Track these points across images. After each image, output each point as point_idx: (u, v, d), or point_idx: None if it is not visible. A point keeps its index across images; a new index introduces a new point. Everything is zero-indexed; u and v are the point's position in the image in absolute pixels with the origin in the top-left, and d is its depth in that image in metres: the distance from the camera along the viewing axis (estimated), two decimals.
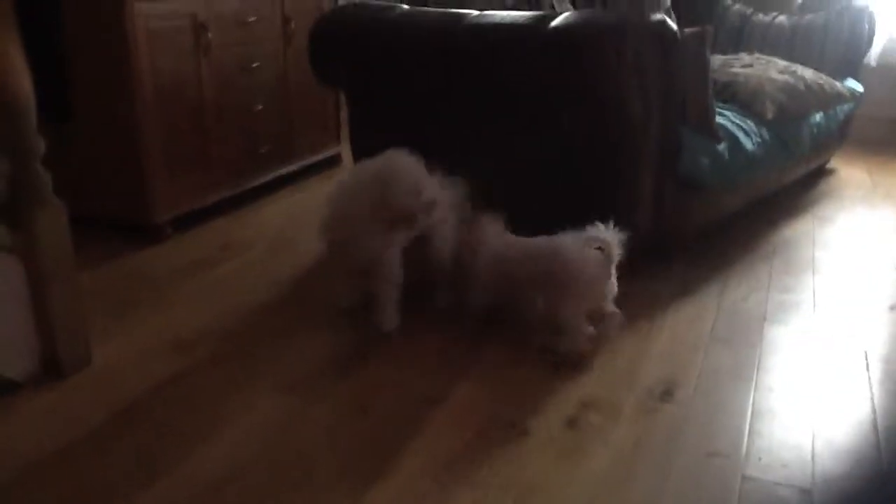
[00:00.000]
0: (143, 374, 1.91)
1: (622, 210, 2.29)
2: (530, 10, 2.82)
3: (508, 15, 2.37)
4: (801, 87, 3.05)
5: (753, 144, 2.67)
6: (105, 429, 1.70)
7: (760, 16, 3.75)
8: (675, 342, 2.10)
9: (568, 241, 2.01)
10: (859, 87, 3.57)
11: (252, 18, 3.04)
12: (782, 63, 3.23)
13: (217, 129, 2.93)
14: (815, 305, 2.33)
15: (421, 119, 2.59)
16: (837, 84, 3.33)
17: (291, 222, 2.97)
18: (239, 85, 3.03)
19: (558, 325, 2.01)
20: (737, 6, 3.84)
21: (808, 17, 3.65)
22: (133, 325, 2.16)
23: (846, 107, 3.40)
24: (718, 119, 2.55)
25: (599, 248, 1.97)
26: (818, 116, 3.13)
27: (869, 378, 1.94)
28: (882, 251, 2.76)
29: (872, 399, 1.84)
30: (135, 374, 1.91)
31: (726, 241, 2.78)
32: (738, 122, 2.69)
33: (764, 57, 3.32)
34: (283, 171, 3.38)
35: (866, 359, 2.03)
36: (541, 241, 2.08)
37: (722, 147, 2.52)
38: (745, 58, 3.30)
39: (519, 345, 2.06)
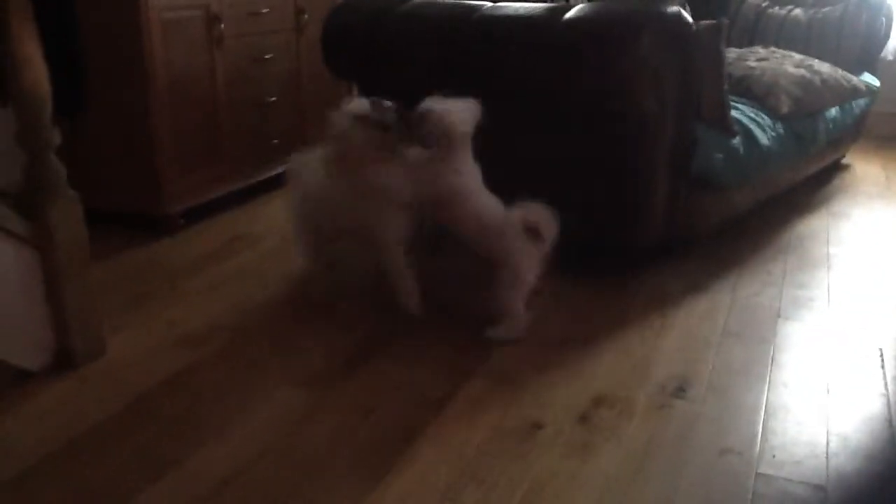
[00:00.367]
0: (154, 366, 1.91)
1: (635, 205, 2.29)
2: (544, 1, 2.80)
3: (521, 7, 2.36)
4: (817, 81, 3.02)
5: (768, 139, 2.65)
6: (114, 422, 1.71)
7: (776, 9, 3.72)
8: (688, 338, 2.09)
9: (509, 226, 2.00)
10: (876, 82, 3.54)
11: (265, 10, 3.04)
12: (798, 57, 3.21)
13: (229, 121, 2.93)
14: (829, 301, 2.31)
15: None
16: (854, 78, 3.30)
17: None
18: (251, 76, 3.02)
19: (498, 310, 2.03)
20: None
21: (825, 10, 3.61)
22: (145, 317, 2.16)
23: (862, 101, 3.37)
24: (733, 113, 2.54)
25: (534, 230, 1.98)
26: (834, 111, 3.11)
27: (884, 374, 1.92)
28: None
29: (887, 395, 1.83)
30: (145, 367, 1.91)
31: (740, 236, 2.77)
32: (752, 116, 2.67)
33: (779, 51, 3.30)
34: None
35: (881, 355, 2.01)
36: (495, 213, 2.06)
37: (736, 142, 2.50)
38: (760, 51, 3.27)
39: (528, 340, 2.06)
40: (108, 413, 1.73)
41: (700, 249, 2.61)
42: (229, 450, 1.61)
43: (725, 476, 1.55)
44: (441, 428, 1.69)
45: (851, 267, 2.57)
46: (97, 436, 1.66)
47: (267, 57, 3.08)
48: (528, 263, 2.01)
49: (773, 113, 2.77)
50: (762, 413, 1.75)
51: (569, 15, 2.19)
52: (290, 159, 2.37)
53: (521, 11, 2.32)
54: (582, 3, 2.88)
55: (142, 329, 2.09)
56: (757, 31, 3.67)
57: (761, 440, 1.65)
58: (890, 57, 3.98)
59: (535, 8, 2.34)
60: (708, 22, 2.35)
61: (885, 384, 1.88)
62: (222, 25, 2.80)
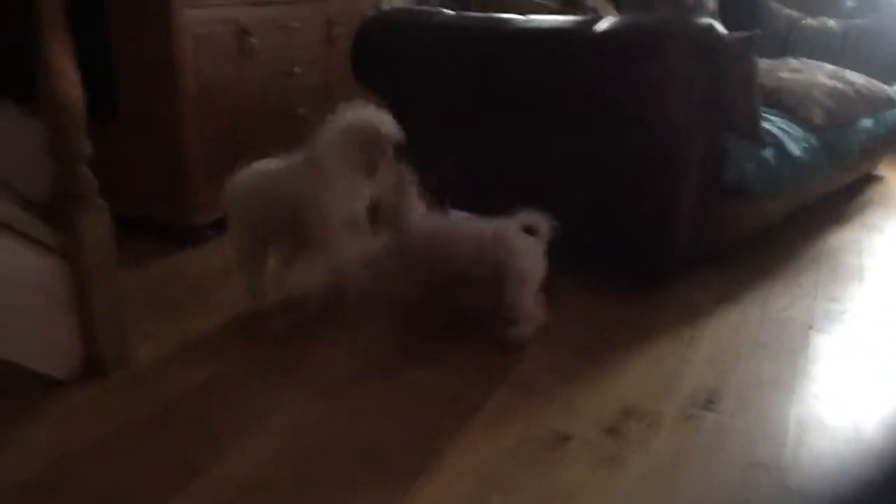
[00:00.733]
0: (180, 375, 1.93)
1: (666, 216, 2.27)
2: (574, 15, 2.80)
3: (553, 20, 2.37)
4: (851, 92, 2.98)
5: (800, 150, 2.62)
6: (139, 429, 1.72)
7: (808, 20, 3.69)
8: (718, 350, 2.06)
9: (506, 227, 2.01)
10: None
11: (295, 23, 3.06)
12: (830, 68, 3.17)
13: (257, 133, 2.95)
14: (862, 315, 2.27)
15: (463, 124, 2.59)
16: (888, 88, 3.25)
17: None
18: (281, 89, 3.05)
19: (510, 314, 2.03)
20: (784, 11, 3.77)
21: (859, 21, 3.57)
22: (171, 326, 2.17)
23: None
24: (764, 124, 2.51)
25: (532, 232, 2.01)
26: (867, 122, 3.06)
27: None
28: None
29: None
30: (171, 376, 1.92)
31: (771, 248, 2.73)
32: (784, 127, 2.64)
33: (811, 62, 3.26)
34: None
35: None
36: (474, 226, 2.06)
37: (768, 153, 2.47)
38: (791, 63, 3.24)
39: (557, 350, 2.04)
40: (133, 420, 1.74)
41: (730, 260, 2.58)
42: (255, 457, 1.62)
43: (755, 490, 1.52)
44: (468, 436, 1.68)
45: (884, 279, 2.52)
46: (122, 442, 1.67)
47: (296, 70, 3.11)
48: (531, 262, 2.02)
49: (806, 124, 2.73)
50: (793, 426, 1.72)
51: (599, 27, 2.19)
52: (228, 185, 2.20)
53: (553, 24, 2.33)
54: (612, 15, 2.89)
55: (168, 338, 2.11)
56: (789, 43, 3.64)
57: (792, 454, 1.62)
58: None
59: (567, 20, 2.35)
60: (740, 33, 2.33)
61: None
62: (253, 39, 2.83)
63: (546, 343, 2.08)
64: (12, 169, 2.02)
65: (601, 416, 1.76)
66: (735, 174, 2.37)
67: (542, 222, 2.01)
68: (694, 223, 2.31)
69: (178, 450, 1.64)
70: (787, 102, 2.82)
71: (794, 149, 2.60)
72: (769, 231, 2.75)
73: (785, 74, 3.04)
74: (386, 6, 3.83)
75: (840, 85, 2.99)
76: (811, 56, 3.41)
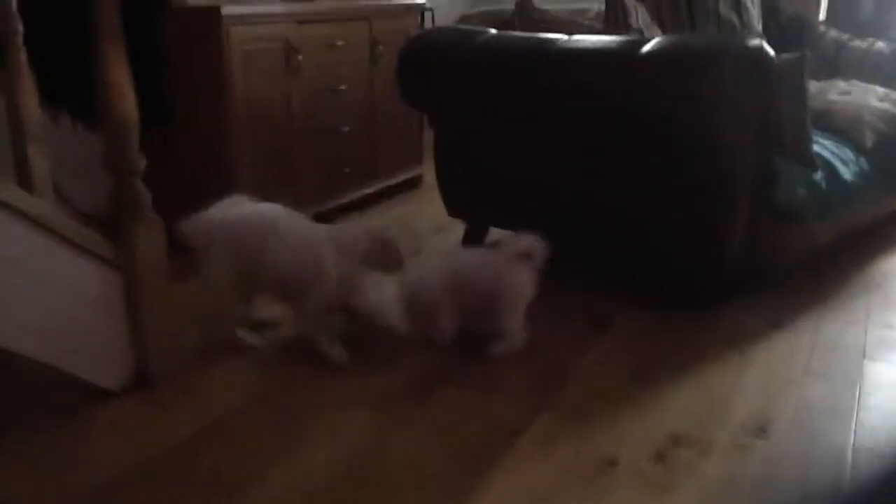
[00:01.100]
0: (229, 389, 1.94)
1: (715, 239, 2.24)
2: (619, 34, 2.79)
3: (599, 39, 2.36)
4: None
5: (851, 173, 2.57)
6: (188, 443, 1.72)
7: (857, 42, 3.63)
8: (769, 376, 2.02)
9: (502, 260, 2.12)
10: None
11: (341, 42, 3.09)
12: (881, 90, 3.11)
13: (303, 149, 2.98)
14: None
15: (506, 144, 2.59)
16: None
17: None
18: (326, 106, 3.08)
19: (499, 331, 2.11)
20: (832, 32, 3.72)
21: None
22: (220, 339, 2.19)
23: None
24: (815, 147, 2.47)
25: (527, 256, 2.10)
26: None
27: None
28: None
29: None
30: (221, 389, 1.94)
31: (821, 273, 2.68)
32: (835, 150, 2.60)
33: (861, 84, 3.21)
34: (365, 191, 3.42)
35: None
36: (475, 261, 2.20)
37: (819, 176, 2.43)
38: (841, 85, 3.19)
39: (603, 375, 2.02)
40: (183, 434, 1.75)
41: (779, 284, 2.53)
42: (302, 473, 1.61)
43: None
44: (514, 459, 1.66)
45: None
46: (171, 456, 1.67)
47: (342, 87, 3.14)
48: (524, 288, 2.11)
49: (857, 147, 2.69)
50: (849, 456, 1.67)
51: (647, 47, 2.17)
52: (197, 220, 2.10)
53: (600, 44, 2.31)
54: (658, 35, 2.86)
55: (217, 351, 2.12)
56: (838, 65, 3.58)
57: (847, 486, 1.58)
58: None
59: (613, 40, 2.33)
60: (790, 55, 2.30)
61: None
62: (300, 57, 2.86)
63: (591, 368, 2.06)
64: (69, 181, 2.06)
65: (649, 441, 1.73)
66: (785, 197, 2.33)
67: (536, 247, 2.10)
68: (743, 247, 2.27)
69: (226, 464, 1.64)
70: (838, 125, 2.77)
71: (845, 172, 2.56)
72: (819, 255, 2.70)
73: (834, 97, 2.99)
74: (429, 25, 3.85)
75: (891, 107, 2.93)
76: (860, 78, 3.35)
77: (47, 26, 1.86)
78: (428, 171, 3.65)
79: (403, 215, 3.38)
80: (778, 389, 1.95)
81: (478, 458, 1.66)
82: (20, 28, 1.85)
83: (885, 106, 2.93)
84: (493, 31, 2.67)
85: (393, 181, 3.61)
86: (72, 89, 1.97)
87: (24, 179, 1.78)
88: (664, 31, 3.23)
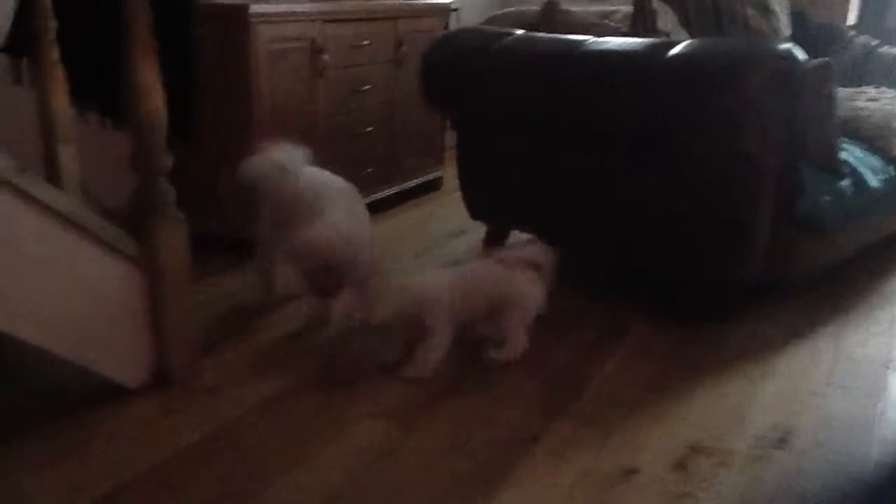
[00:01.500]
0: (245, 392, 1.94)
1: (736, 248, 2.22)
2: (646, 37, 2.77)
3: (625, 42, 2.35)
4: None
5: (878, 181, 2.54)
6: (203, 445, 1.73)
7: (886, 48, 3.59)
8: (790, 387, 2.01)
9: (510, 269, 2.13)
10: None
11: (366, 42, 3.10)
12: None
13: (327, 149, 2.98)
14: None
15: (530, 146, 2.58)
16: None
17: (393, 245, 2.98)
18: (350, 106, 3.09)
19: (502, 338, 2.10)
20: (861, 38, 3.68)
21: None
22: (238, 341, 2.20)
23: None
24: (841, 154, 2.44)
25: (536, 265, 2.12)
26: None
27: None
28: None
29: None
30: (236, 392, 1.94)
31: (844, 283, 2.65)
32: (862, 157, 2.56)
33: (890, 90, 3.17)
34: (387, 192, 3.42)
35: None
36: (484, 269, 2.19)
37: (845, 184, 2.41)
38: (869, 91, 3.15)
39: (620, 384, 2.01)
40: (200, 435, 1.75)
41: (801, 294, 2.51)
42: (314, 479, 1.62)
43: None
44: (531, 468, 1.66)
45: None
46: (190, 457, 1.68)
47: (366, 88, 3.14)
48: (532, 298, 2.10)
49: (884, 155, 2.65)
50: (870, 470, 1.66)
51: (674, 51, 2.16)
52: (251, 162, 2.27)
53: (625, 47, 2.30)
54: (685, 38, 2.85)
55: (234, 353, 2.13)
56: (866, 71, 3.54)
57: (871, 499, 1.56)
58: None
59: (639, 43, 2.32)
60: (818, 60, 2.27)
61: None
62: (326, 56, 2.87)
63: (608, 376, 2.06)
64: (95, 179, 2.08)
65: (668, 451, 1.72)
66: (809, 206, 2.30)
67: (545, 256, 2.13)
68: (765, 256, 2.25)
69: (240, 468, 1.65)
70: (865, 132, 2.73)
71: (872, 180, 2.52)
72: (842, 264, 2.67)
73: (862, 103, 2.95)
74: (455, 26, 3.85)
75: None
76: (889, 85, 3.31)
77: (78, 23, 1.88)
78: (448, 173, 3.65)
79: (423, 217, 3.39)
80: (799, 400, 1.94)
81: (493, 466, 1.66)
82: (53, 25, 1.87)
83: None
84: (519, 32, 2.67)
85: (414, 182, 3.61)
86: (101, 87, 1.99)
87: (54, 176, 1.79)
88: (692, 35, 3.21)
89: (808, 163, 2.31)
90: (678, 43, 2.24)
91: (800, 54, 2.13)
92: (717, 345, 2.22)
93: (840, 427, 1.83)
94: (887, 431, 1.81)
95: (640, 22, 3.04)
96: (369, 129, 3.21)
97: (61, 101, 1.82)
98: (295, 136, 2.79)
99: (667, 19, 3.06)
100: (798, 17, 3.55)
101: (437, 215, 3.41)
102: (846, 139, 2.65)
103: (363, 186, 3.21)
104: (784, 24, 3.41)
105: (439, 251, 2.95)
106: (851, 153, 2.55)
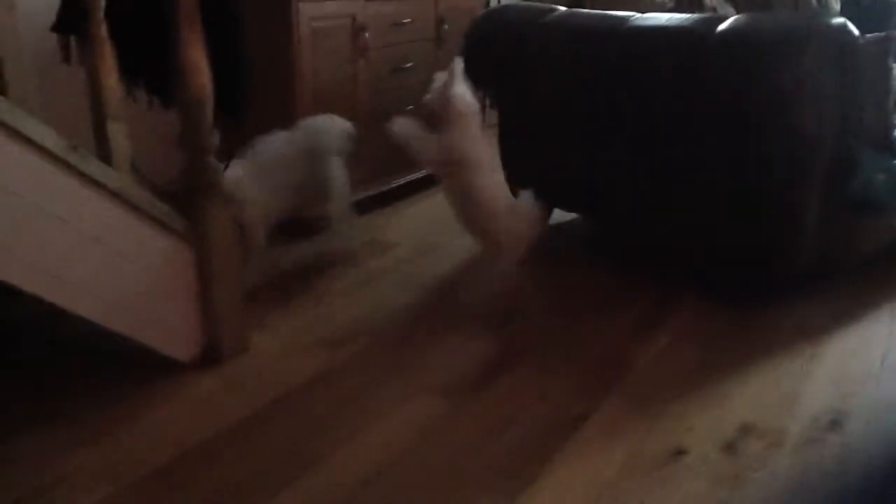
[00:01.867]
0: (294, 366, 1.96)
1: (789, 230, 2.18)
2: (692, 12, 2.72)
3: (672, 17, 2.30)
4: None
5: None
6: (256, 418, 1.75)
7: None
8: (843, 369, 1.96)
9: (510, 211, 2.25)
10: None
11: (407, 20, 3.08)
12: None
13: (368, 128, 2.98)
14: None
15: (574, 124, 2.55)
16: None
17: (432, 225, 2.97)
18: (391, 85, 3.07)
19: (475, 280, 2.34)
20: None
21: None
22: (285, 316, 2.22)
23: None
24: None
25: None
26: None
27: None
28: None
29: None
30: (286, 366, 1.96)
31: None
32: None
33: None
34: (426, 171, 3.40)
35: None
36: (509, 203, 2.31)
37: None
38: None
39: (670, 365, 1.99)
40: (251, 409, 1.77)
41: (853, 276, 2.45)
42: (366, 453, 1.63)
43: None
44: (578, 447, 1.65)
45: None
46: (241, 431, 1.70)
47: (407, 66, 3.13)
48: (515, 248, 2.21)
49: None
50: None
51: (723, 26, 2.11)
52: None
53: (673, 23, 2.26)
54: (731, 13, 2.78)
55: (282, 328, 2.15)
56: None
57: None
58: None
59: (687, 19, 2.27)
60: (875, 35, 2.21)
61: None
62: (367, 35, 2.86)
63: (655, 356, 2.03)
64: (145, 157, 2.10)
65: (718, 432, 1.70)
66: (863, 186, 2.24)
67: (536, 214, 2.27)
68: (817, 237, 2.20)
69: (293, 440, 1.67)
70: None
71: None
72: (895, 246, 2.60)
73: None
74: (495, 4, 3.81)
75: None
76: None
77: (126, 1, 1.88)
78: None
79: None
80: (852, 384, 1.90)
81: (541, 445, 1.66)
82: (102, 1, 1.87)
83: None
84: (563, 8, 2.63)
85: None
86: (148, 66, 1.99)
87: (104, 153, 1.81)
88: (738, 11, 3.14)
89: (863, 140, 2.25)
90: (726, 18, 2.19)
91: (854, 30, 2.08)
92: (767, 327, 2.18)
93: (894, 410, 1.79)
94: None
95: None
96: (409, 107, 3.19)
97: (111, 78, 1.83)
98: (336, 114, 2.81)
99: None
100: None
101: None
102: None
103: (403, 166, 3.21)
104: None
105: None
106: None
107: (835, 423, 1.73)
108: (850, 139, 2.20)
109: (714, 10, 3.01)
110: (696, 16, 2.43)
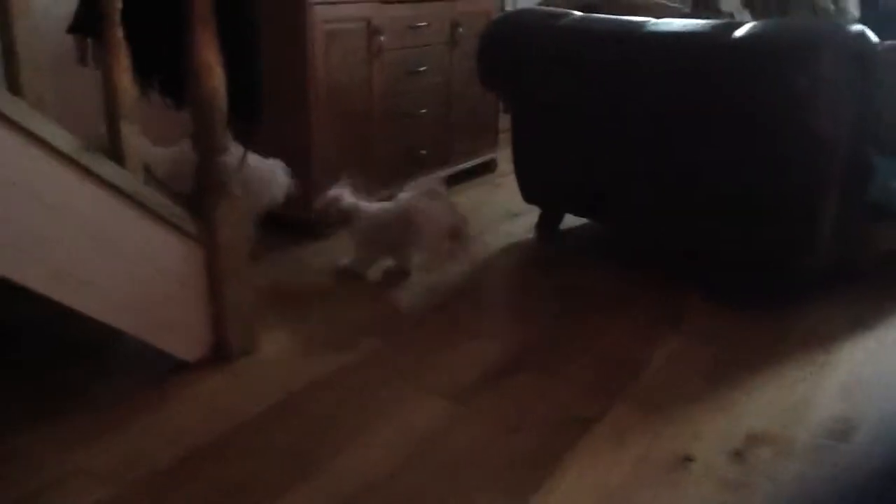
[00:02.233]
0: (302, 367, 1.96)
1: (803, 235, 2.17)
2: (708, 17, 2.70)
3: (689, 23, 2.29)
4: None
5: None
6: (263, 418, 1.75)
7: None
8: (855, 377, 1.95)
9: (420, 200, 2.41)
10: None
11: (422, 23, 3.09)
12: None
13: (381, 131, 2.99)
14: None
15: (587, 128, 2.55)
16: None
17: None
18: (405, 88, 3.08)
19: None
20: None
21: None
22: (293, 318, 2.23)
23: None
24: None
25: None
26: None
27: None
28: None
29: None
30: (293, 367, 1.96)
31: None
32: None
33: None
34: (440, 174, 3.40)
35: None
36: (398, 204, 2.48)
37: None
38: None
39: (679, 370, 1.98)
40: (258, 409, 1.78)
41: (868, 281, 2.43)
42: (373, 455, 1.63)
43: None
44: (586, 451, 1.64)
45: None
46: (246, 431, 1.71)
47: (421, 69, 3.13)
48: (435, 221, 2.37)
49: None
50: None
51: (740, 32, 2.10)
52: None
53: (690, 28, 2.25)
54: (748, 19, 2.77)
55: (290, 329, 2.16)
56: None
57: None
58: None
59: (703, 24, 2.26)
60: (893, 41, 2.19)
61: None
62: (382, 38, 2.86)
63: (666, 361, 2.02)
64: (157, 158, 2.11)
65: (727, 439, 1.69)
66: (879, 192, 2.23)
67: (440, 189, 2.45)
68: (832, 240, 2.19)
69: (299, 441, 1.67)
70: None
71: None
72: None
73: None
74: (510, 8, 3.81)
75: None
76: None
77: (141, 3, 1.90)
78: (502, 156, 3.63)
79: (477, 200, 3.37)
80: (864, 392, 1.88)
81: (549, 448, 1.65)
82: (119, 4, 1.89)
83: None
84: (578, 13, 2.63)
85: (467, 165, 3.60)
86: (162, 67, 2.01)
87: (117, 154, 1.82)
88: (755, 16, 3.13)
89: (879, 146, 2.23)
90: (744, 23, 2.18)
91: (872, 36, 2.06)
92: (779, 332, 2.17)
93: None
94: None
95: (702, 2, 2.97)
96: (423, 110, 3.20)
97: (125, 79, 1.85)
98: (350, 117, 2.82)
99: (729, 0, 2.98)
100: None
101: (491, 198, 3.40)
102: None
103: (417, 168, 3.22)
104: (853, 5, 3.29)
105: (492, 234, 2.93)
106: None
107: (845, 432, 1.71)
108: (866, 144, 2.18)
109: (731, 15, 3.00)
110: (712, 21, 2.42)
